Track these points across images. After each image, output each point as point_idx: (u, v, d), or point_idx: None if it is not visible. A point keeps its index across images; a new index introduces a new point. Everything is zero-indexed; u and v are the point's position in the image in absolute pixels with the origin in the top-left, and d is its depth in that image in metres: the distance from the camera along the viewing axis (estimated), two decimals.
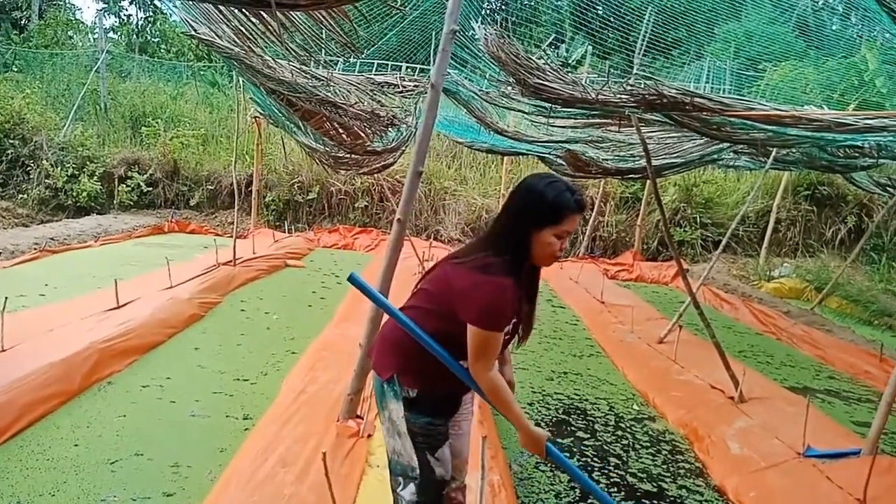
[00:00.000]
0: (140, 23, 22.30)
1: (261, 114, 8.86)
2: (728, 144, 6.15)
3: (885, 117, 3.49)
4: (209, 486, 3.07)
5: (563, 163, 8.22)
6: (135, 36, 21.54)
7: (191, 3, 4.83)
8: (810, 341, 7.48)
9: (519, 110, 6.48)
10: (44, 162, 12.82)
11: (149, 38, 21.90)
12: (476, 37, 5.06)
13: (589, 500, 3.40)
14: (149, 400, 4.14)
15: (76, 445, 3.43)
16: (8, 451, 3.31)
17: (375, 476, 3.14)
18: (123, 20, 22.72)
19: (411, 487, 2.13)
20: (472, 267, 1.97)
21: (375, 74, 7.23)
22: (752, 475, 3.77)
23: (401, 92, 6.71)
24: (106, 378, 4.38)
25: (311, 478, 3.03)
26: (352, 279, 2.06)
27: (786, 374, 6.30)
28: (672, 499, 3.57)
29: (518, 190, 2.03)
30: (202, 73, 18.96)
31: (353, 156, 7.40)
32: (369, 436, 3.55)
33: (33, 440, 3.45)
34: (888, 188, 9.16)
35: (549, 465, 3.75)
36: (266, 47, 5.28)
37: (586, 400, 5.01)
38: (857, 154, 6.26)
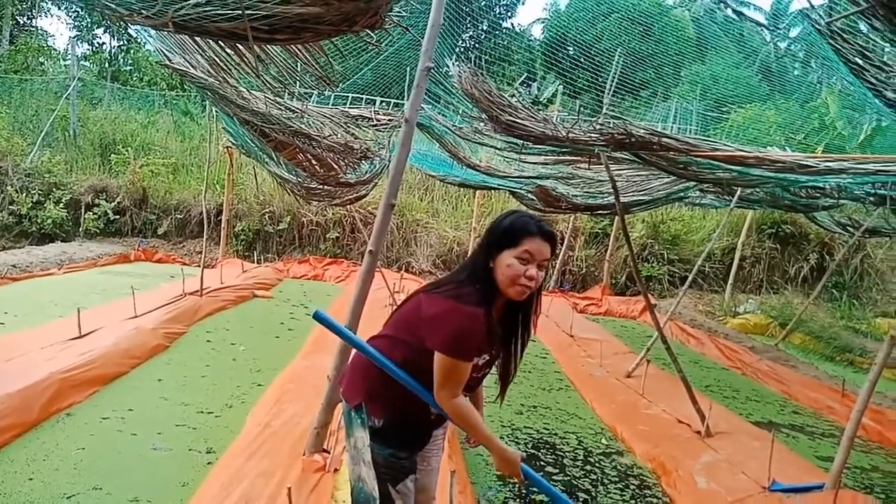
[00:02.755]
0: (113, 51, 22.23)
1: (233, 143, 8.83)
2: (694, 183, 6.31)
3: (844, 160, 3.62)
4: None
5: (534, 198, 8.34)
6: (107, 64, 21.45)
7: (166, 33, 4.84)
8: (775, 376, 7.60)
9: (491, 146, 6.58)
10: (8, 188, 12.59)
11: (121, 66, 21.81)
12: (450, 74, 5.15)
13: None
14: (109, 432, 4.02)
15: (30, 479, 3.31)
16: None
17: None
18: (96, 48, 22.64)
19: None
20: (445, 295, 1.99)
21: (350, 107, 7.31)
22: None
23: (375, 125, 6.77)
24: (65, 409, 4.25)
25: None
26: (317, 317, 2.07)
27: (751, 408, 6.38)
28: None
29: (489, 225, 2.08)
30: (175, 102, 18.91)
31: (325, 187, 7.41)
32: (335, 470, 3.49)
33: None
34: (848, 227, 9.44)
35: (518, 501, 3.73)
36: (241, 78, 5.31)
37: (555, 434, 5.01)
38: (818, 195, 6.47)
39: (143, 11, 2.84)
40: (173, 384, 5.09)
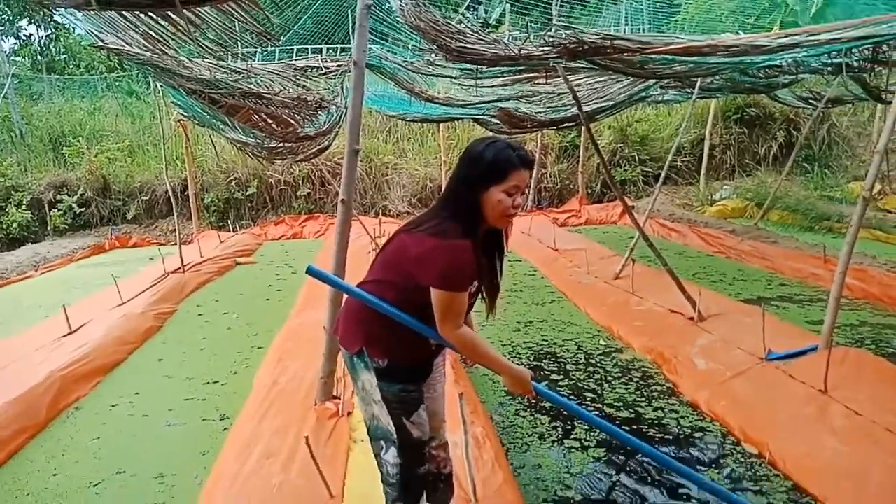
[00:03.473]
0: (43, 41, 21.24)
1: (185, 116, 8.59)
2: (654, 81, 6.27)
3: (797, 34, 3.61)
4: (197, 490, 3.05)
5: (498, 121, 8.26)
6: (39, 56, 20.54)
7: (92, 12, 4.63)
8: (758, 254, 7.78)
9: (446, 76, 6.47)
10: None
11: (55, 56, 20.90)
12: (393, 9, 5.00)
13: (571, 436, 3.50)
14: (120, 418, 4.06)
15: (55, 475, 3.36)
16: None
17: (361, 450, 3.16)
18: (24, 41, 21.61)
19: (392, 451, 2.17)
20: (429, 233, 2.00)
21: (296, 60, 7.10)
22: (720, 386, 3.94)
23: (325, 74, 6.61)
24: (72, 404, 4.28)
25: (298, 464, 3.04)
26: (310, 271, 2.10)
27: (739, 288, 6.55)
28: (650, 421, 3.71)
29: (462, 156, 2.06)
30: (117, 83, 18.26)
31: (286, 144, 7.27)
32: (349, 413, 3.57)
33: (9, 478, 3.35)
34: (811, 101, 9.49)
35: (528, 410, 3.85)
36: (179, 48, 5.12)
37: (555, 343, 5.13)
38: (777, 73, 6.46)
39: None
40: (174, 362, 5.11)
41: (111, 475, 3.32)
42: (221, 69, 5.58)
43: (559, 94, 7.27)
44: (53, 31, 20.73)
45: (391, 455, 2.19)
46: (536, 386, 2.11)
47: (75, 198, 12.92)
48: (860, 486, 2.77)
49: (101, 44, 4.89)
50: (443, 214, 2.03)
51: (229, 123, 6.73)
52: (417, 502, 2.26)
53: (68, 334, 5.39)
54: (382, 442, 2.20)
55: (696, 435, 3.52)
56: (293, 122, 6.72)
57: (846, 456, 2.99)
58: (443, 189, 2.15)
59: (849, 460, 2.95)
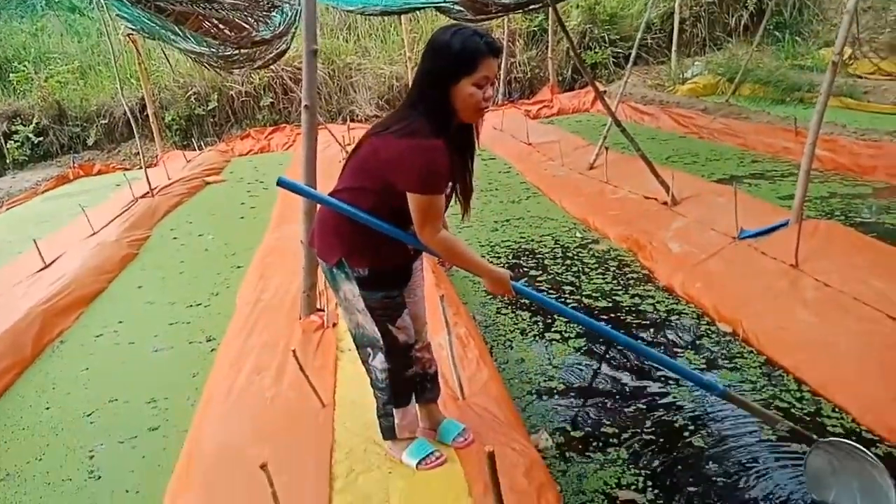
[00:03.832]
0: None
1: (133, 30, 8.13)
2: None
3: None
4: (191, 410, 3.11)
5: (462, 9, 7.91)
6: None
7: None
8: (730, 132, 7.77)
9: None
10: None
11: None
12: None
13: (552, 330, 3.59)
14: (107, 348, 4.09)
15: (48, 409, 3.41)
16: None
17: (348, 359, 3.22)
18: None
19: (380, 356, 2.21)
20: (400, 135, 1.92)
21: None
22: (694, 268, 4.03)
23: None
24: (57, 338, 4.29)
25: (288, 377, 3.10)
26: (280, 182, 2.04)
27: (712, 168, 6.58)
28: (627, 308, 3.80)
29: (427, 48, 1.93)
30: (57, 0, 17.14)
31: (242, 51, 6.96)
32: (334, 325, 3.61)
33: (2, 415, 3.39)
34: None
35: (510, 308, 3.92)
36: None
37: (532, 240, 5.17)
38: None
39: None
40: (154, 288, 5.10)
41: (104, 404, 3.38)
42: None
43: None
44: None
45: (379, 361, 2.23)
46: (516, 285, 2.11)
47: (31, 127, 12.42)
48: (829, 355, 2.89)
49: None
50: (412, 113, 1.94)
51: (180, 33, 6.40)
52: (408, 403, 2.33)
53: (43, 268, 5.34)
54: (369, 349, 2.23)
55: (673, 318, 3.63)
56: (247, 25, 6.39)
57: (816, 327, 3.10)
58: (410, 86, 2.05)
59: (818, 331, 3.07)
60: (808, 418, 2.61)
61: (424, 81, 1.93)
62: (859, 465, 2.04)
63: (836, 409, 2.63)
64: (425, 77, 1.93)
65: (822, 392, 2.75)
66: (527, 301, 4.00)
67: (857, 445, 2.06)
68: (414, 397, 2.36)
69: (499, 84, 12.86)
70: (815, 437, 2.18)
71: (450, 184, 2.02)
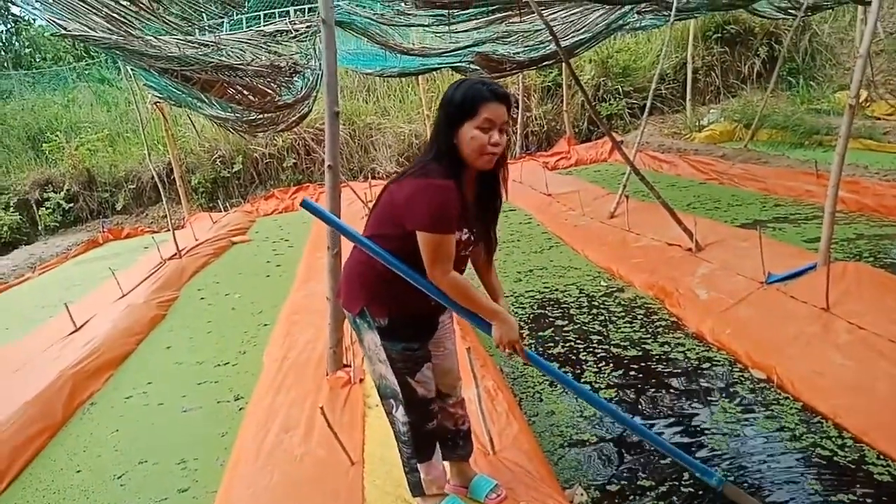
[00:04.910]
0: (4, 36, 20.73)
1: (160, 98, 8.44)
2: (629, 6, 6.15)
3: None
4: (220, 471, 3.10)
5: (477, 67, 8.12)
6: (3, 52, 20.07)
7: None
8: (751, 177, 7.76)
9: (419, 25, 6.33)
10: None
11: (19, 50, 20.41)
12: None
13: (581, 381, 3.55)
14: (136, 409, 4.11)
15: (78, 472, 3.41)
16: (12, 496, 3.28)
17: (376, 415, 3.20)
18: None
19: (401, 409, 2.20)
20: (413, 177, 1.98)
21: (264, 25, 6.93)
22: (723, 314, 3.97)
23: (295, 37, 6.45)
24: (87, 400, 4.32)
25: (317, 435, 3.09)
26: (304, 204, 2.05)
27: (735, 213, 6.55)
28: (658, 356, 3.75)
29: (440, 102, 2.01)
30: (87, 72, 17.89)
31: (265, 115, 7.17)
32: (361, 381, 3.61)
33: (34, 479, 3.41)
34: (790, 11, 9.32)
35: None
36: (144, 27, 5.00)
37: (556, 290, 5.15)
38: None
39: None
40: (182, 348, 5.14)
41: (134, 466, 3.38)
42: (190, 44, 5.45)
43: (536, 32, 7.14)
44: (13, 24, 20.21)
45: (401, 413, 2.22)
46: (530, 353, 2.10)
47: (62, 194, 12.81)
48: (867, 400, 2.82)
49: (63, 32, 4.76)
50: (425, 160, 2.00)
51: (206, 100, 6.62)
52: (431, 457, 2.29)
53: (74, 331, 5.42)
54: (392, 400, 2.22)
55: (705, 365, 3.56)
56: (269, 90, 6.61)
57: (852, 371, 3.03)
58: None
59: (855, 375, 3.00)
60: (853, 466, 2.53)
61: (436, 131, 2.00)
62: None
63: (882, 457, 2.55)
64: (437, 127, 2.00)
65: (864, 439, 2.67)
66: (553, 352, 3.97)
67: None
68: (440, 452, 2.33)
69: (516, 137, 13.05)
70: None
71: (466, 233, 2.03)
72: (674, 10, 7.04)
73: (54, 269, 9.68)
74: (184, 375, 4.55)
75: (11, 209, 12.43)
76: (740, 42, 13.46)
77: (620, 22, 7.07)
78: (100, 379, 4.61)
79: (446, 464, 2.42)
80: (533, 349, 4.06)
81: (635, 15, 7.46)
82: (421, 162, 2.01)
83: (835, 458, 2.59)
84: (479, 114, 1.90)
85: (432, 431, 2.27)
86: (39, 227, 12.73)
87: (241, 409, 3.82)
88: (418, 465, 2.29)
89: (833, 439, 2.71)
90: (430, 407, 2.23)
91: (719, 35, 13.34)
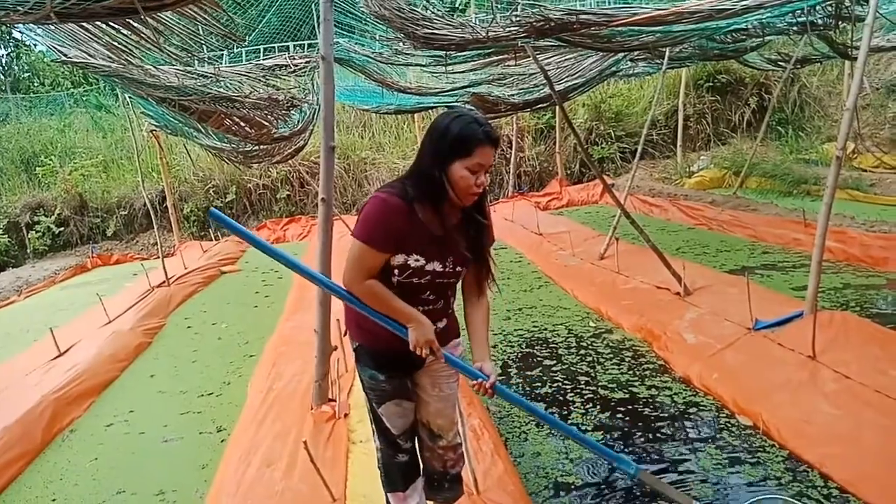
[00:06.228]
0: (4, 60, 20.87)
1: (156, 126, 8.47)
2: (623, 54, 6.28)
3: None
4: (200, 503, 3.04)
5: (472, 107, 8.24)
6: (2, 75, 20.20)
7: (52, 27, 4.55)
8: (739, 223, 7.85)
9: (416, 64, 6.43)
10: None
11: (18, 74, 20.55)
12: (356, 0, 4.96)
13: (568, 422, 3.53)
14: (117, 437, 4.04)
15: (54, 500, 3.34)
16: None
17: (361, 451, 3.17)
18: None
19: (375, 435, 2.23)
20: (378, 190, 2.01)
21: (264, 59, 7.03)
22: (710, 359, 3.98)
23: (293, 71, 6.55)
24: (67, 427, 4.25)
25: (299, 469, 3.04)
26: (212, 215, 1.93)
27: (723, 259, 6.61)
28: (645, 399, 3.74)
29: (429, 128, 2.00)
30: (85, 98, 18.00)
31: (261, 147, 7.21)
32: (345, 415, 3.57)
33: None
34: (779, 63, 9.54)
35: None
36: (144, 56, 5.05)
37: (545, 329, 5.15)
38: (744, 37, 6.48)
39: (18, 8, 2.66)
40: (166, 376, 5.08)
41: (111, 496, 3.31)
42: (189, 75, 5.51)
43: (531, 75, 7.26)
44: (14, 48, 20.37)
45: (375, 440, 2.25)
46: (448, 355, 2.03)
47: (53, 218, 12.76)
48: (854, 450, 2.82)
49: (63, 58, 4.80)
50: (404, 178, 2.01)
51: (202, 130, 6.67)
52: (400, 490, 2.26)
53: (58, 356, 5.35)
54: (373, 426, 2.24)
55: (691, 411, 3.56)
56: (266, 123, 6.66)
57: (839, 420, 3.04)
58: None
59: (841, 424, 3.00)
60: None
61: (423, 158, 1.98)
62: None
63: None
64: (425, 154, 1.98)
65: (850, 489, 2.66)
66: (541, 392, 3.96)
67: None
68: (420, 489, 2.30)
69: (509, 176, 13.19)
70: None
71: (420, 258, 1.99)
72: (666, 58, 7.21)
73: (41, 292, 9.59)
74: (166, 404, 4.49)
75: (0, 231, 12.35)
76: (731, 91, 13.74)
77: (614, 68, 7.20)
78: (81, 405, 4.54)
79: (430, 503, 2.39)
80: (520, 388, 4.04)
81: (628, 62, 7.61)
82: (398, 180, 2.02)
83: None
84: (472, 156, 1.90)
85: (402, 464, 2.24)
86: (28, 251, 12.64)
87: (222, 440, 3.77)
88: (388, 495, 2.29)
89: (819, 489, 2.71)
90: (397, 441, 2.21)
91: (710, 84, 13.63)
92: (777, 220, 7.48)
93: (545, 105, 8.93)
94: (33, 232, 12.63)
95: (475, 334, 2.16)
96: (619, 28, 3.91)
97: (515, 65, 6.53)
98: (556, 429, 2.51)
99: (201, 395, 4.57)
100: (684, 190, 10.75)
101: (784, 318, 4.13)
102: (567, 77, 6.84)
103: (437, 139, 1.94)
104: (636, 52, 6.56)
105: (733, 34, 6.10)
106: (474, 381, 2.07)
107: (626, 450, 3.21)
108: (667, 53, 7.05)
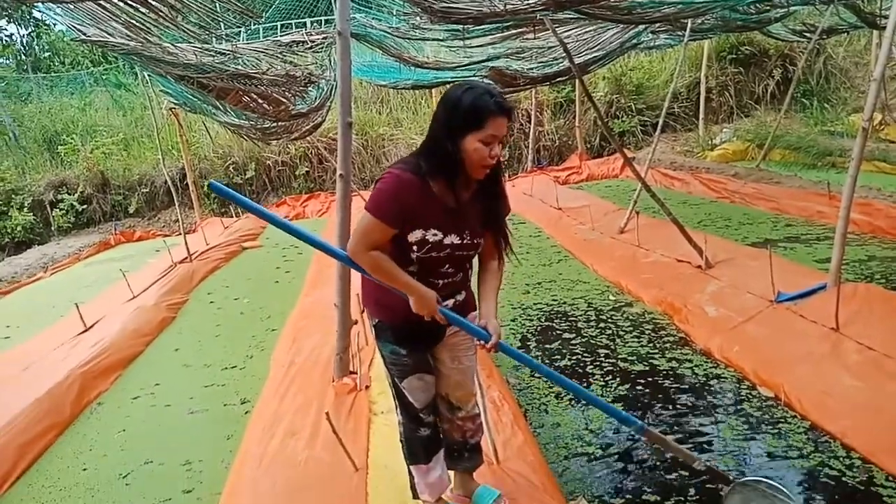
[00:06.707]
0: (25, 40, 21.01)
1: (176, 104, 8.52)
2: (644, 26, 6.17)
3: None
4: (225, 473, 3.11)
5: (490, 81, 8.17)
6: (23, 55, 20.34)
7: (71, 6, 4.56)
8: (762, 196, 7.74)
9: (434, 39, 6.37)
10: None
11: (39, 54, 20.68)
12: None
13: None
14: (143, 409, 4.13)
15: (84, 470, 3.43)
16: (20, 491, 3.30)
17: (381, 422, 3.21)
18: (5, 41, 21.38)
19: (398, 410, 2.27)
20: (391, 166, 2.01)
21: (281, 36, 7.01)
22: (732, 332, 3.96)
23: (311, 48, 6.52)
24: (95, 400, 4.35)
25: (321, 440, 3.09)
26: (212, 186, 2.00)
27: (745, 232, 6.53)
28: (665, 372, 3.74)
29: (441, 100, 1.99)
30: (105, 77, 18.09)
31: (280, 123, 7.23)
32: (367, 387, 3.61)
33: (41, 475, 3.43)
34: (804, 34, 9.33)
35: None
36: (162, 35, 5.06)
37: (564, 303, 5.15)
38: (768, 7, 6.34)
39: None
40: (191, 350, 5.16)
41: (139, 466, 3.39)
42: (207, 52, 5.51)
43: (550, 48, 7.17)
44: (34, 28, 20.49)
45: (398, 414, 2.28)
46: (443, 310, 2.02)
47: (76, 196, 12.91)
48: (876, 421, 2.80)
49: (83, 37, 4.83)
50: (416, 154, 2.01)
51: (221, 107, 6.69)
52: (423, 462, 2.30)
53: (84, 332, 5.45)
54: (395, 401, 2.27)
55: (712, 382, 3.55)
56: (284, 100, 6.66)
57: (860, 392, 3.01)
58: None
59: (863, 396, 2.98)
60: (862, 487, 2.51)
61: (436, 131, 1.97)
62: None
63: (890, 478, 2.53)
64: (436, 129, 1.97)
65: (872, 459, 2.65)
66: (561, 364, 3.97)
67: (774, 484, 2.10)
68: (442, 461, 2.34)
69: (528, 151, 13.09)
70: (731, 477, 2.22)
71: (437, 232, 1.99)
72: (688, 30, 7.07)
73: (66, 269, 9.75)
74: (191, 378, 4.57)
75: (25, 210, 12.53)
76: (754, 63, 13.46)
77: (634, 41, 7.09)
78: (108, 379, 4.63)
79: (451, 473, 2.42)
80: (540, 361, 4.04)
81: (649, 34, 7.48)
82: (412, 155, 2.02)
83: (843, 479, 2.57)
84: (484, 128, 1.88)
85: (425, 438, 2.28)
86: (53, 228, 12.82)
87: (246, 412, 3.83)
88: (410, 468, 2.33)
89: (841, 459, 2.70)
90: (419, 415, 2.24)
91: (734, 56, 13.36)
92: (801, 193, 7.37)
93: (564, 78, 8.83)
94: (57, 210, 12.80)
95: (484, 293, 2.16)
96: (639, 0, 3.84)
97: (535, 38, 6.45)
98: (561, 385, 2.52)
99: (225, 369, 4.65)
100: (706, 163, 10.60)
101: (807, 291, 4.09)
102: (587, 50, 6.75)
103: (448, 112, 1.93)
104: (657, 24, 6.44)
105: (756, 5, 5.97)
106: (478, 341, 2.08)
107: (646, 420, 3.21)
108: (689, 25, 6.92)
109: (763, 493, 2.12)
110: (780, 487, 2.09)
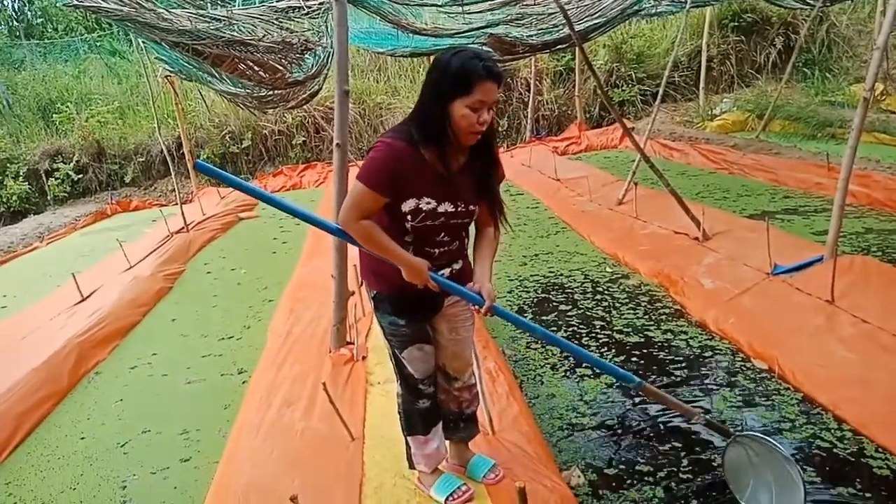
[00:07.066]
0: (17, 6, 20.65)
1: (171, 71, 8.40)
2: None
3: None
4: (222, 442, 3.14)
5: (490, 49, 8.06)
6: (15, 21, 20.02)
7: None
8: (761, 168, 7.71)
9: (432, 4, 6.27)
10: None
11: (31, 20, 20.35)
12: None
13: (584, 365, 3.55)
14: (141, 379, 4.15)
15: (82, 438, 3.46)
16: (18, 460, 3.33)
17: (378, 393, 3.22)
18: None
19: (398, 382, 2.27)
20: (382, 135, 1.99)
21: (277, 1, 6.89)
22: (727, 304, 3.97)
23: (307, 13, 6.40)
24: (92, 369, 4.37)
25: (318, 409, 3.11)
26: (198, 166, 1.99)
27: (743, 204, 6.52)
28: (660, 343, 3.75)
29: (430, 67, 1.96)
30: (99, 44, 17.83)
31: (276, 92, 7.14)
32: (363, 358, 3.63)
33: (39, 444, 3.46)
34: (808, 1, 9.18)
35: (539, 343, 3.89)
36: (156, 0, 4.98)
37: (561, 274, 5.15)
38: None
39: None
40: (188, 320, 5.18)
41: (137, 435, 3.42)
42: (202, 18, 5.42)
43: (549, 14, 7.05)
44: None
45: (397, 386, 2.29)
46: (434, 276, 2.02)
47: (71, 165, 12.81)
48: (868, 393, 2.82)
49: (75, 2, 4.75)
50: (406, 122, 1.99)
51: (216, 75, 6.60)
52: (420, 434, 2.31)
53: (81, 301, 5.46)
54: (396, 373, 2.28)
55: (707, 354, 3.57)
56: (280, 67, 6.57)
57: (855, 364, 3.03)
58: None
59: (857, 368, 3.00)
60: (852, 459, 2.53)
61: (425, 96, 1.95)
62: (773, 458, 2.19)
63: (880, 450, 2.56)
64: (426, 91, 1.94)
65: (863, 431, 2.67)
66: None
67: (772, 441, 2.19)
68: (440, 432, 2.35)
69: (527, 121, 12.99)
70: (731, 430, 2.33)
71: (431, 200, 1.98)
72: None
73: (62, 239, 9.73)
74: (188, 348, 4.59)
75: (21, 179, 12.45)
76: (756, 31, 13.28)
77: (635, 7, 6.98)
78: (105, 349, 4.65)
79: (447, 442, 2.44)
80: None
81: (651, 1, 7.37)
82: (403, 123, 2.00)
83: (834, 450, 2.60)
84: (472, 93, 1.84)
85: (423, 410, 2.28)
86: (48, 198, 12.76)
87: (244, 382, 3.86)
88: (408, 438, 2.34)
89: (832, 431, 2.72)
90: (419, 386, 2.24)
91: (735, 23, 13.17)
92: (800, 164, 7.33)
93: (564, 46, 8.70)
94: (53, 179, 12.72)
95: (479, 257, 2.15)
96: None
97: (534, 4, 6.35)
98: (556, 345, 2.55)
99: (222, 339, 4.66)
100: (706, 133, 10.53)
101: (803, 263, 4.09)
102: (587, 17, 6.64)
103: (437, 77, 1.90)
104: None
105: None
106: (473, 305, 2.08)
107: (639, 393, 3.23)
108: None
109: (761, 444, 2.22)
110: (778, 446, 2.18)
